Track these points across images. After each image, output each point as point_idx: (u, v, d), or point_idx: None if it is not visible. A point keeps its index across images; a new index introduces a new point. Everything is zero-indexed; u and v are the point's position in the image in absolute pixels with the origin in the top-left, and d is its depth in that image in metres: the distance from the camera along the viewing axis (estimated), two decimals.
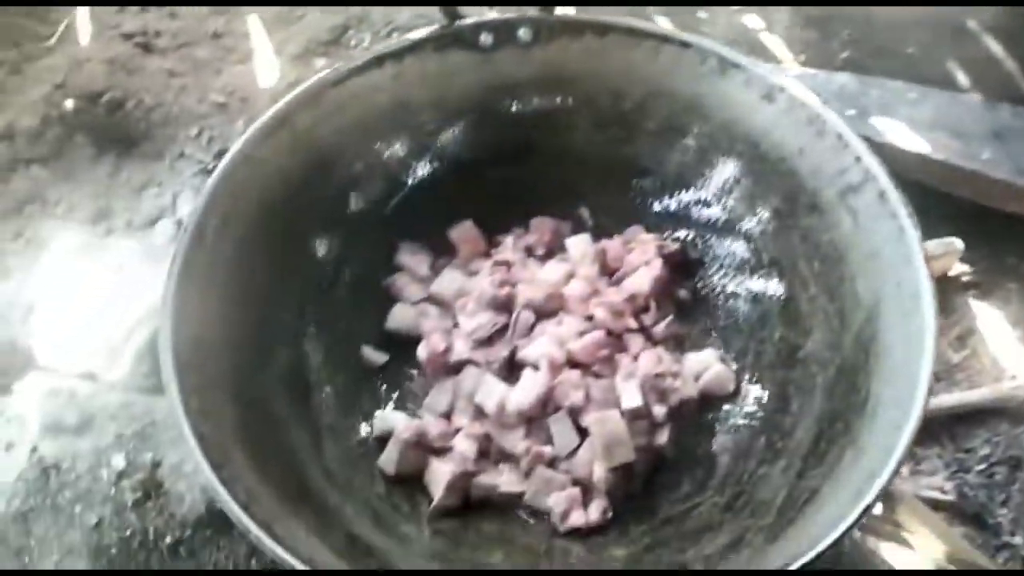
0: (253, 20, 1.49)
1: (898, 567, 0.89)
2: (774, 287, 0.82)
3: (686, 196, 0.88)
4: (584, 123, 0.89)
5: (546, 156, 0.90)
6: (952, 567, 0.91)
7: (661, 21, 1.48)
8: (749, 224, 0.85)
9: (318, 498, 0.70)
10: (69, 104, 1.28)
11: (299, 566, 0.56)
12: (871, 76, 1.32)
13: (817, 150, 0.76)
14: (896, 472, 0.57)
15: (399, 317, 0.86)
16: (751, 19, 1.49)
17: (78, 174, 1.25)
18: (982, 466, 1.01)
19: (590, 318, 0.81)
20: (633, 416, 0.75)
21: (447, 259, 0.91)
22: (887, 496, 0.95)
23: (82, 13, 1.46)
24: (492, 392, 0.78)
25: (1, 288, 1.07)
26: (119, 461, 0.72)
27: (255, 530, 0.58)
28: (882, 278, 0.70)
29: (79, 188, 1.24)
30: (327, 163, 0.84)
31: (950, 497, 0.99)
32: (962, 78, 1.38)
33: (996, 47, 1.41)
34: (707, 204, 0.87)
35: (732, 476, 0.73)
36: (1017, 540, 0.96)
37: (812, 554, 0.54)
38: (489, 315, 0.82)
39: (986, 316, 1.12)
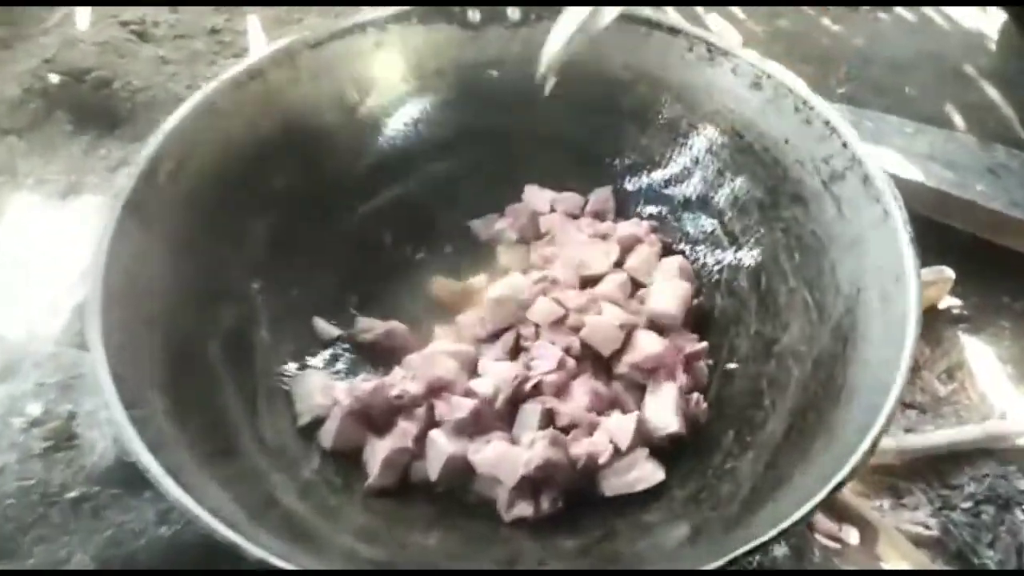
0: (252, 19, 1.49)
1: None
2: (752, 281, 0.77)
3: (672, 190, 0.85)
4: (565, 108, 0.86)
5: (523, 140, 0.87)
6: None
7: None
8: (734, 224, 0.81)
9: (243, 460, 0.64)
10: (54, 79, 1.26)
11: (199, 513, 0.51)
12: (868, 110, 1.31)
13: (803, 138, 0.73)
14: (870, 453, 0.52)
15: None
16: (749, 54, 1.48)
17: (54, 148, 1.23)
18: (968, 504, 0.95)
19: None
20: None
21: None
22: (867, 527, 0.88)
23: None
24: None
25: None
26: (35, 409, 0.67)
27: (157, 472, 0.52)
28: (864, 265, 0.66)
29: (53, 162, 1.21)
30: (299, 123, 0.81)
31: (934, 533, 0.92)
32: (958, 120, 1.37)
33: (993, 92, 1.41)
34: (690, 205, 0.84)
35: (696, 472, 0.68)
36: None
37: (772, 533, 0.48)
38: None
39: (976, 351, 1.07)
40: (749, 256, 0.78)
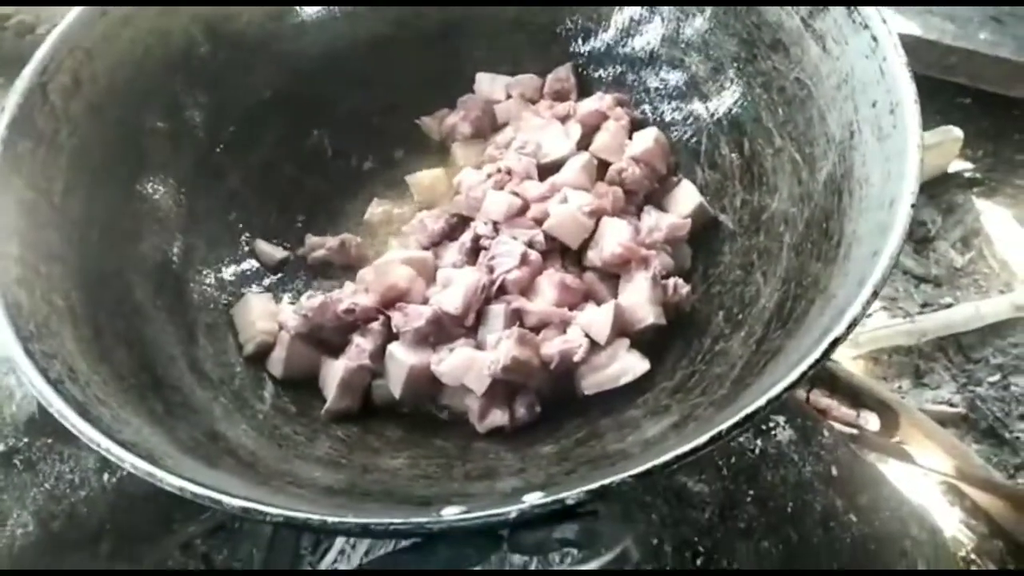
0: None
1: (901, 484, 0.76)
2: (733, 148, 0.69)
3: (636, 55, 0.76)
4: None
5: (468, 24, 0.78)
6: (963, 484, 0.78)
7: None
8: (709, 87, 0.72)
9: (177, 393, 0.58)
10: None
11: (108, 445, 0.44)
12: None
13: None
14: (870, 302, 0.44)
15: None
16: None
17: None
18: (995, 377, 0.88)
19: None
20: None
21: None
22: (886, 411, 0.82)
23: None
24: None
25: None
26: None
27: (60, 406, 0.46)
28: (855, 103, 0.57)
29: None
30: (217, 26, 0.72)
31: (960, 410, 0.86)
32: None
33: None
34: (661, 65, 0.75)
35: (684, 359, 0.61)
36: None
37: (763, 400, 0.41)
38: None
39: (992, 215, 0.99)
40: (727, 119, 0.69)
